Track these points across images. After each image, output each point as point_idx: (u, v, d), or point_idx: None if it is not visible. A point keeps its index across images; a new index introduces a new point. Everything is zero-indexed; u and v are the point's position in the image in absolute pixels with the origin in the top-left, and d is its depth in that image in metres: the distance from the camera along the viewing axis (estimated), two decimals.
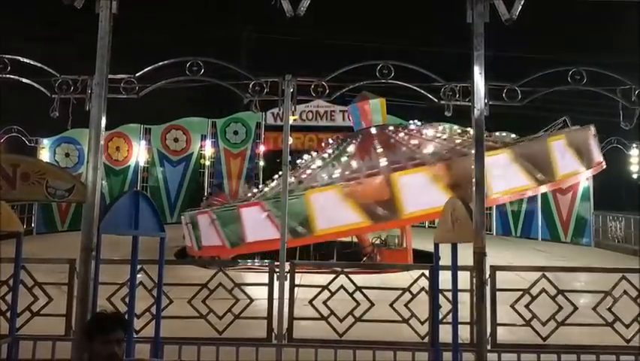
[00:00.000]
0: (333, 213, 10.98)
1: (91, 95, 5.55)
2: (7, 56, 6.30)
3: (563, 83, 6.60)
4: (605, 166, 13.34)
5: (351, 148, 13.44)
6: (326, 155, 13.92)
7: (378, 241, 13.66)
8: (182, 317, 6.20)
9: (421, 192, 10.73)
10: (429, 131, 13.58)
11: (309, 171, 13.14)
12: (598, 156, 13.11)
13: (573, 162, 12.13)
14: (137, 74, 6.24)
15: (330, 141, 15.32)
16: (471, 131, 5.44)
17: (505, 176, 11.14)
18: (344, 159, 12.98)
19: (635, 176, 20.40)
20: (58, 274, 6.40)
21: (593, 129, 12.97)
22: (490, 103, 5.98)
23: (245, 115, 23.09)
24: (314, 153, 15.10)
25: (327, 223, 11.03)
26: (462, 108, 6.49)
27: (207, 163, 23.19)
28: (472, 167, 4.83)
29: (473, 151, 4.84)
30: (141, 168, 22.46)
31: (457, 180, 10.62)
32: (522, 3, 5.02)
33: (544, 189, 12.58)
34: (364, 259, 13.54)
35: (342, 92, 6.80)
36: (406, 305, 6.28)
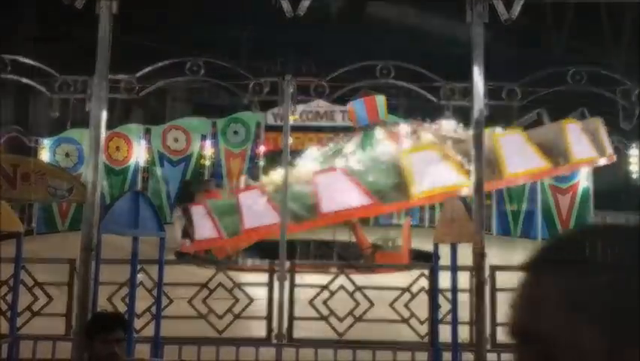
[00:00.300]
0: (433, 173, 10.49)
1: (91, 95, 5.56)
2: (7, 56, 6.30)
3: (563, 83, 6.61)
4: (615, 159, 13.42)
5: (378, 136, 12.94)
6: (352, 143, 13.53)
7: (380, 242, 13.54)
8: (182, 317, 6.20)
9: (520, 153, 10.62)
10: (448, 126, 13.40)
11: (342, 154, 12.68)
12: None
13: (609, 144, 12.34)
14: (137, 74, 6.24)
15: (331, 137, 15.03)
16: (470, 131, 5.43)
17: (580, 144, 11.20)
18: (380, 142, 12.52)
19: (635, 176, 20.37)
20: (58, 274, 6.41)
21: None
22: (490, 103, 5.99)
23: (245, 115, 22.99)
24: (331, 144, 14.53)
25: (426, 185, 10.53)
26: (460, 108, 6.50)
27: (207, 163, 23.17)
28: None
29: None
30: (141, 168, 22.43)
31: (546, 144, 10.89)
32: (521, 3, 5.03)
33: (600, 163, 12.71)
34: (363, 260, 13.48)
35: (342, 92, 6.82)
36: (405, 305, 6.28)
